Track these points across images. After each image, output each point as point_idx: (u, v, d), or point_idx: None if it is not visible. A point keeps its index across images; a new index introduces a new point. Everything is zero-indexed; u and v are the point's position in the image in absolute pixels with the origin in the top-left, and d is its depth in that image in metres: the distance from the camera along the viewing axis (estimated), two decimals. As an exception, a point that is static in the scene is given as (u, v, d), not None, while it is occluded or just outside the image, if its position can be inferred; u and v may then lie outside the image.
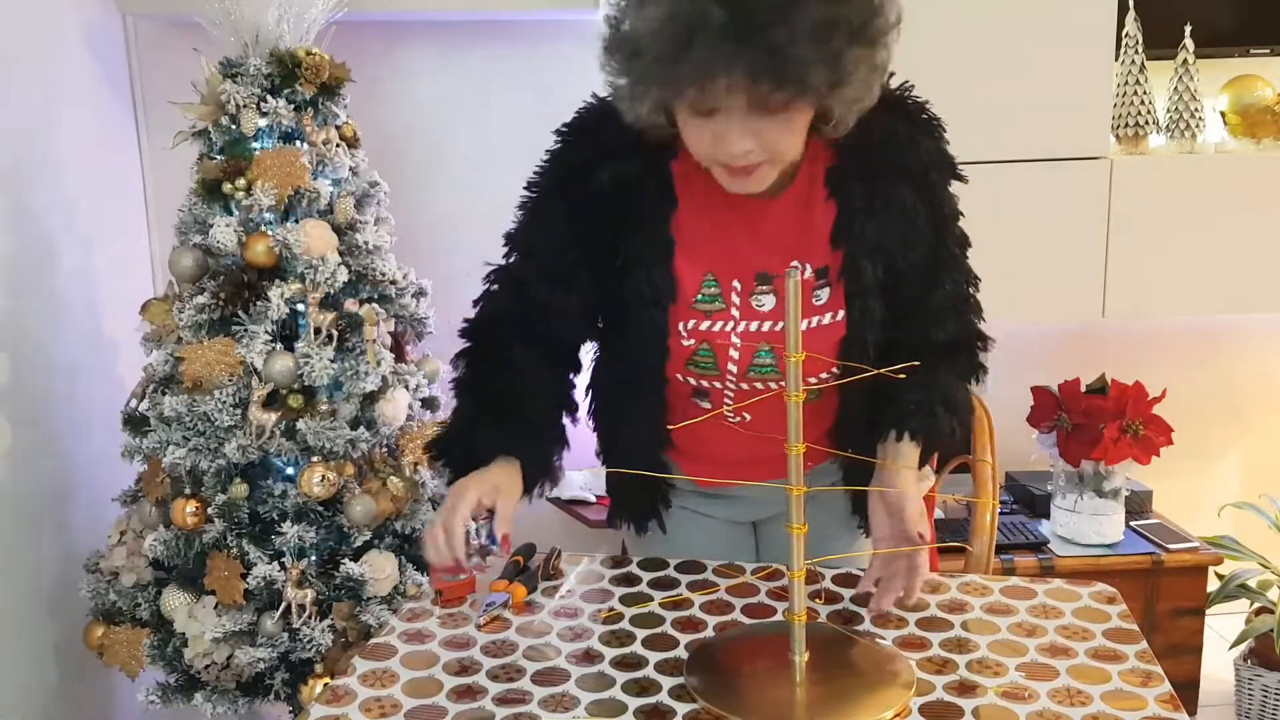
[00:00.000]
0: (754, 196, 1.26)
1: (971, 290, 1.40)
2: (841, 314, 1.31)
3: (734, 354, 1.33)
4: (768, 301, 1.32)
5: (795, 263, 1.29)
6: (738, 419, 1.40)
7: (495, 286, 1.40)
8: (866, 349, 1.32)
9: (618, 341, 1.40)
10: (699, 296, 1.32)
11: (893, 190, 1.29)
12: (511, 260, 1.39)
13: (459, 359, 1.41)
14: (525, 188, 1.37)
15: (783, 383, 1.32)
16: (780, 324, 1.31)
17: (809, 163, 1.29)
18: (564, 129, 1.35)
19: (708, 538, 1.53)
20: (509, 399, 1.35)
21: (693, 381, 1.37)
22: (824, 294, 1.32)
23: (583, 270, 1.34)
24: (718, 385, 1.36)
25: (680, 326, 1.33)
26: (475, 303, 1.42)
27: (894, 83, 1.29)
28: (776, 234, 1.31)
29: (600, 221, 1.31)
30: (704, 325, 1.32)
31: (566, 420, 1.41)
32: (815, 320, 1.32)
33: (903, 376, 1.25)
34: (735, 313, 1.32)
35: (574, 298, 1.35)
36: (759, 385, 1.35)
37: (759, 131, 1.14)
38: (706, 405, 1.39)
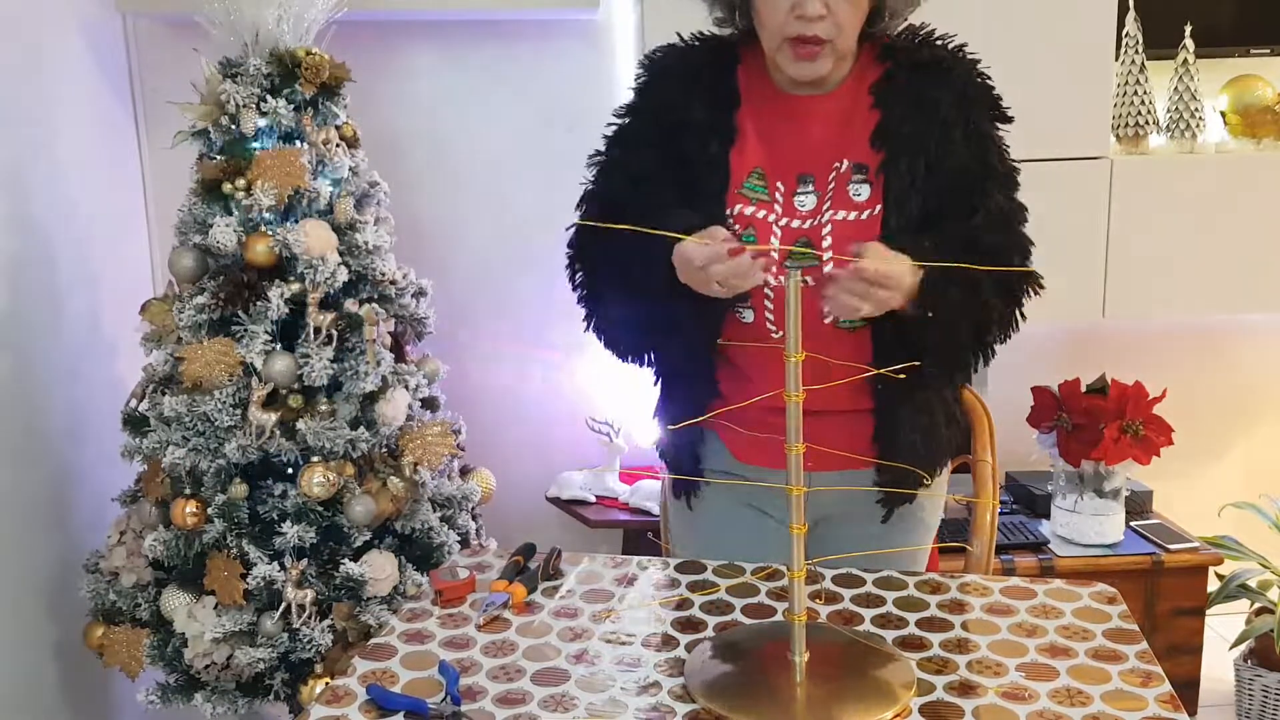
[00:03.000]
0: (805, 94, 1.43)
1: (1017, 220, 1.46)
2: (879, 209, 1.39)
3: (774, 241, 1.41)
4: (808, 201, 1.43)
5: (796, 270, 1.28)
6: (780, 334, 1.42)
7: (585, 208, 1.50)
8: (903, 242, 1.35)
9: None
10: (746, 184, 1.44)
11: (933, 103, 1.40)
12: (596, 179, 1.50)
13: (571, 263, 1.51)
14: (614, 114, 1.52)
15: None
16: (820, 219, 1.41)
17: (856, 77, 1.45)
18: (646, 59, 1.51)
19: (757, 536, 1.51)
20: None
21: None
22: (863, 190, 1.41)
23: (663, 171, 1.43)
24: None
25: (726, 212, 1.42)
26: (571, 246, 1.51)
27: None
28: (821, 134, 1.44)
29: (678, 128, 1.44)
30: (749, 211, 1.43)
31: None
32: (853, 215, 1.40)
33: (902, 376, 1.24)
34: (779, 207, 1.43)
35: (648, 187, 1.43)
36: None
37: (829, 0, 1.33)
38: (749, 317, 1.44)
